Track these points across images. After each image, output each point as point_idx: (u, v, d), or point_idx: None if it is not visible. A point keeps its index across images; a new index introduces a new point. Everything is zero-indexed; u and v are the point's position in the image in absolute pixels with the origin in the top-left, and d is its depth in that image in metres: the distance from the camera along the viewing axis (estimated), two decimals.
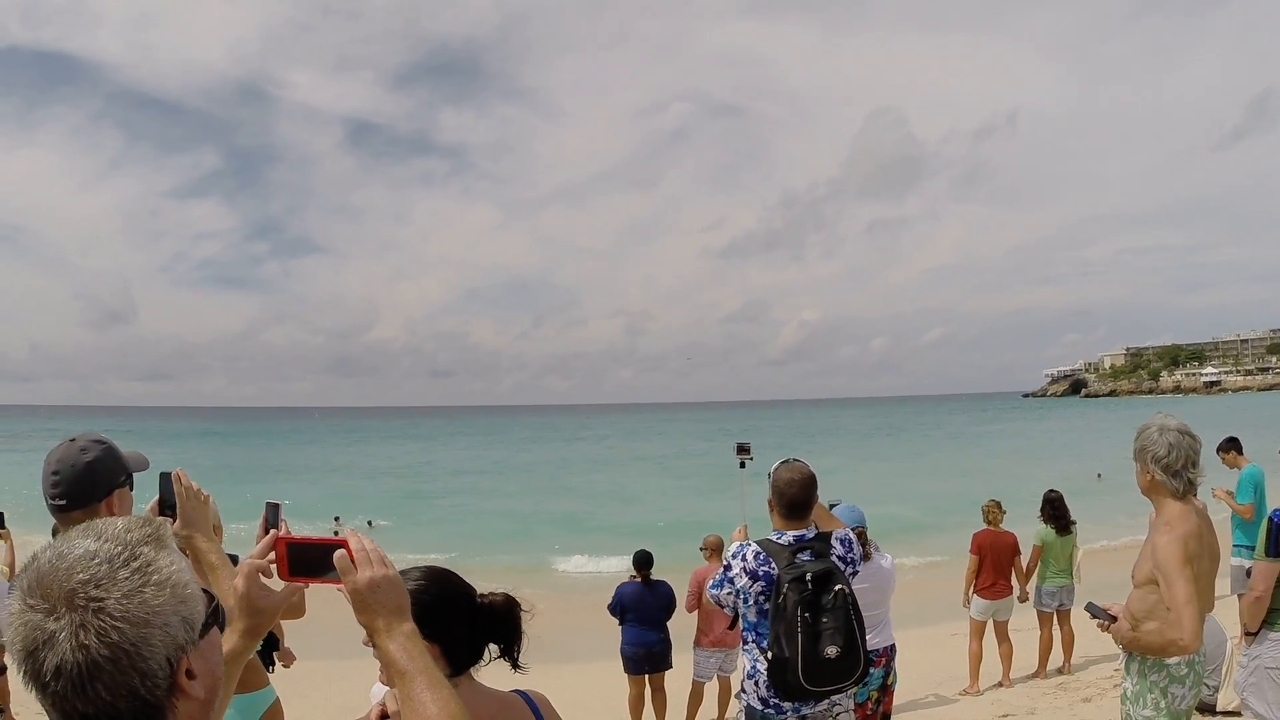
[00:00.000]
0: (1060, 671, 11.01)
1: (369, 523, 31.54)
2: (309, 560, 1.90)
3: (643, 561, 10.16)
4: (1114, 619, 4.46)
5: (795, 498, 4.81)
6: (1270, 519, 2.11)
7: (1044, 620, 11.15)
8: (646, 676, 10.12)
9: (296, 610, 4.61)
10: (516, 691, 2.48)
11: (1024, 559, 11.07)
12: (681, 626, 10.25)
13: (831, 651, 4.43)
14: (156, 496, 3.08)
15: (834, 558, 4.69)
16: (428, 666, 1.78)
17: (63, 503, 2.99)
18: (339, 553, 1.84)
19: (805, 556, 4.64)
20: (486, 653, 2.45)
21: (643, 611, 9.97)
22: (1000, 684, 10.79)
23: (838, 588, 4.52)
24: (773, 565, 4.66)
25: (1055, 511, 11.11)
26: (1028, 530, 11.17)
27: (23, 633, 1.29)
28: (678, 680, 10.27)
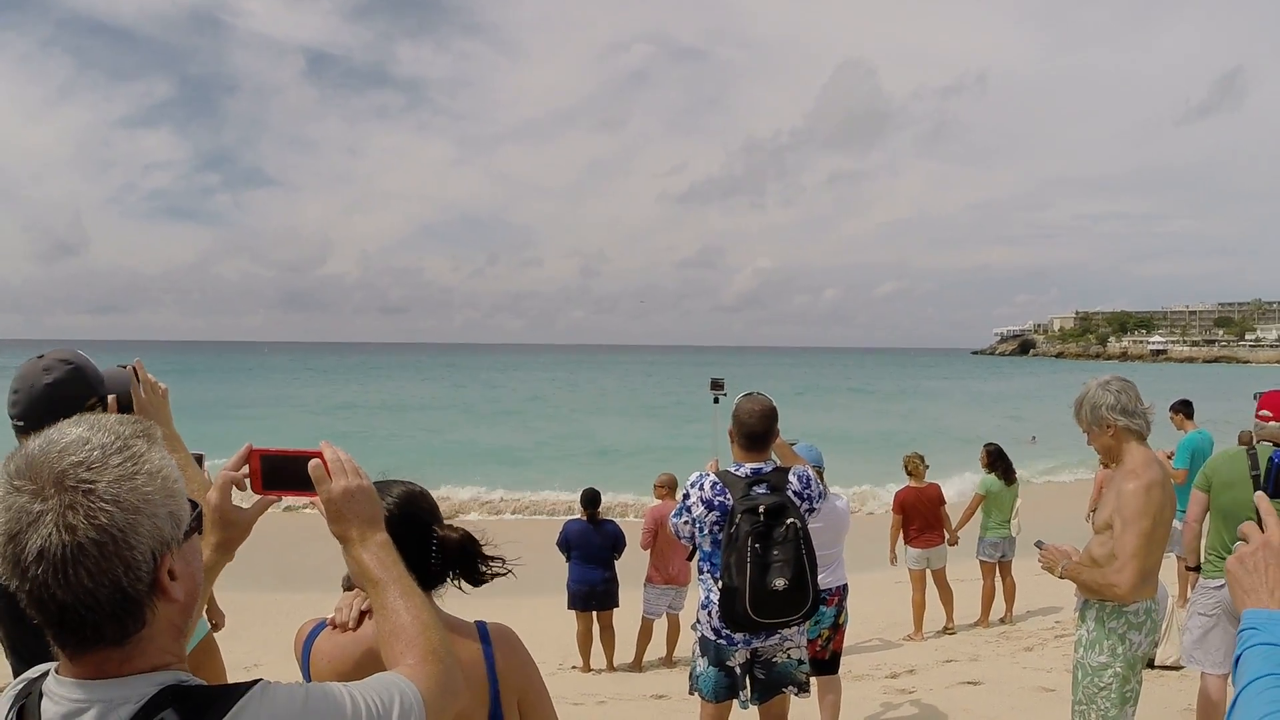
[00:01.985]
0: (1002, 621, 11.18)
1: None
2: (283, 473, 1.85)
3: (590, 500, 10.26)
4: (1056, 559, 4.51)
5: (755, 429, 4.82)
6: (1271, 459, 2.09)
7: (986, 571, 11.33)
8: (594, 614, 10.22)
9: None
10: (477, 622, 2.46)
11: (952, 506, 11.24)
12: (630, 564, 10.31)
13: (779, 584, 4.47)
14: (112, 395, 2.94)
15: (789, 492, 4.72)
16: (401, 575, 1.77)
17: (20, 424, 2.87)
18: (313, 463, 1.80)
19: (761, 489, 4.67)
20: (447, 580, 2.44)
21: (588, 549, 10.08)
22: (943, 631, 10.95)
23: (789, 521, 4.55)
24: (728, 496, 4.69)
25: (1002, 463, 11.29)
26: (960, 479, 11.31)
27: (6, 516, 1.27)
28: (628, 618, 10.36)
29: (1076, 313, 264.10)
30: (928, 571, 10.98)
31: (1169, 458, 9.36)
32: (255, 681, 1.39)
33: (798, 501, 4.71)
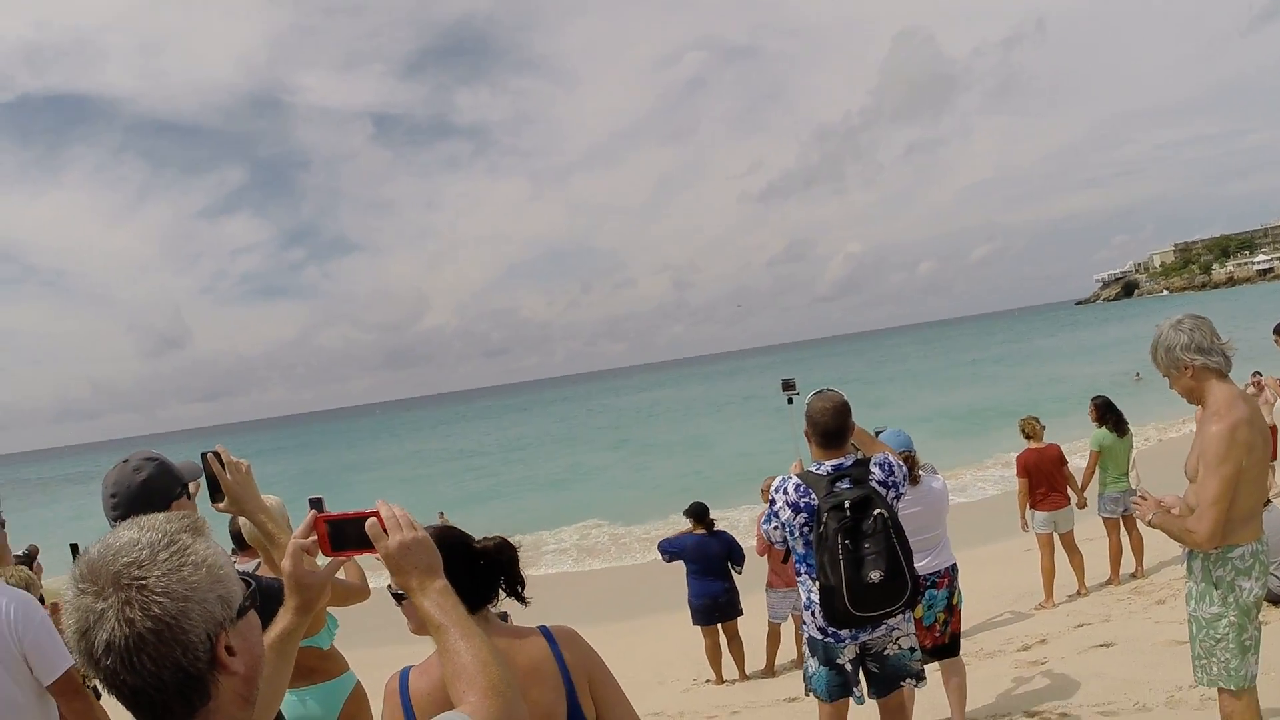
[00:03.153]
0: (1134, 577, 10.90)
1: (440, 515, 31.66)
2: (346, 534, 2.03)
3: (698, 514, 10.23)
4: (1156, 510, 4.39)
5: (829, 426, 4.82)
6: None
7: (1110, 527, 11.07)
8: (719, 626, 10.22)
9: (360, 594, 4.70)
10: (540, 627, 2.67)
11: (1074, 467, 10.98)
12: (751, 571, 10.32)
13: (875, 576, 4.47)
14: (194, 481, 3.18)
15: (873, 483, 4.71)
16: (461, 619, 1.89)
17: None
18: (370, 522, 1.97)
19: (844, 484, 4.68)
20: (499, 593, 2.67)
21: (705, 561, 10.07)
22: (1076, 595, 10.74)
23: (876, 512, 4.54)
24: (813, 496, 4.71)
25: (1112, 414, 11.04)
26: (1075, 434, 11.06)
27: (76, 615, 1.43)
28: (755, 625, 10.37)
29: (1175, 245, 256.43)
30: (1055, 535, 10.77)
31: (1278, 382, 9.06)
32: None
33: (883, 491, 4.70)
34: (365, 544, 1.98)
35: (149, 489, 3.16)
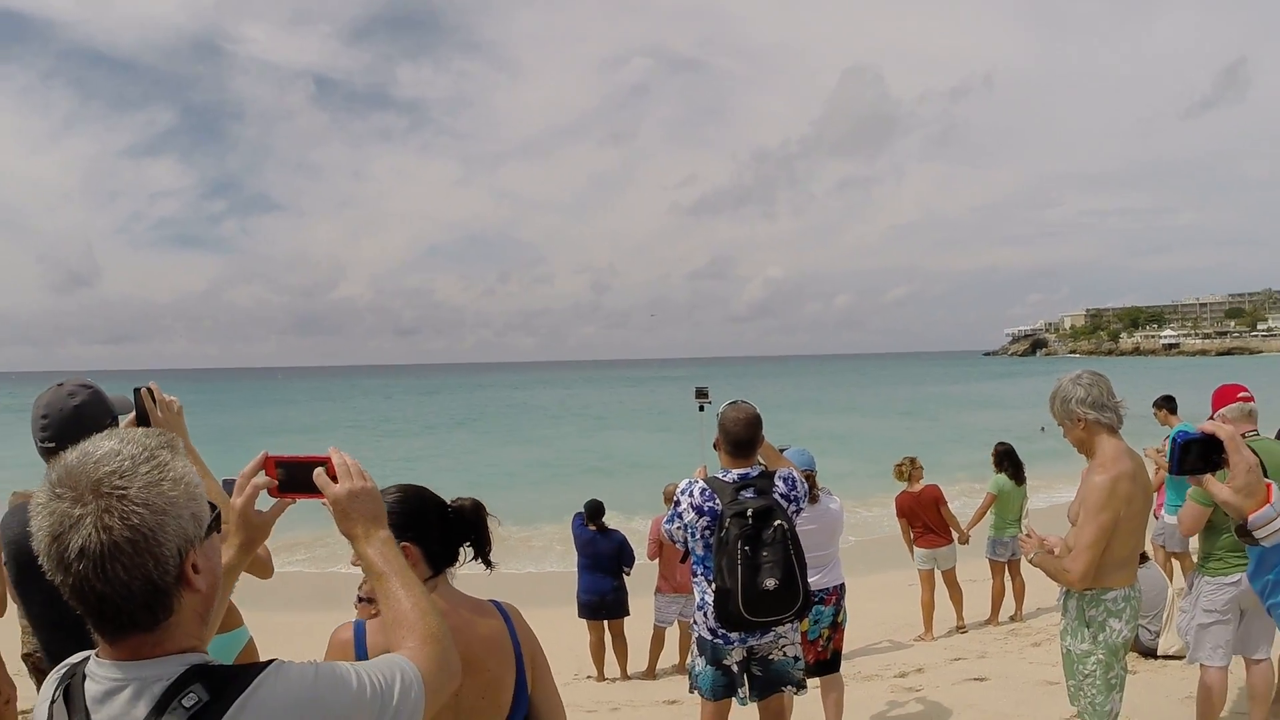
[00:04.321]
0: (1013, 619, 11.23)
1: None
2: (296, 478, 2.05)
3: (593, 511, 10.38)
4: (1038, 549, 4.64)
5: (740, 436, 4.97)
6: (1173, 439, 2.25)
7: (996, 570, 11.37)
8: (605, 623, 10.35)
9: (264, 569, 4.73)
10: (493, 601, 2.75)
11: (958, 507, 11.27)
12: (639, 573, 10.45)
13: (770, 583, 4.63)
14: (133, 413, 3.19)
15: (776, 495, 4.88)
16: (402, 568, 1.97)
17: (52, 444, 3.13)
18: (318, 470, 2.02)
19: (748, 493, 4.84)
20: (461, 554, 2.73)
21: (596, 558, 10.22)
22: (954, 630, 11.04)
23: (777, 523, 4.71)
24: (717, 501, 4.84)
25: (1011, 462, 11.32)
26: (963, 475, 11.32)
27: (50, 519, 1.47)
28: (641, 627, 10.49)
29: (1087, 310, 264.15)
30: (936, 571, 11.05)
31: (1159, 453, 9.41)
32: (271, 661, 1.59)
33: (784, 504, 4.86)
34: (313, 489, 2.02)
35: (81, 414, 3.16)
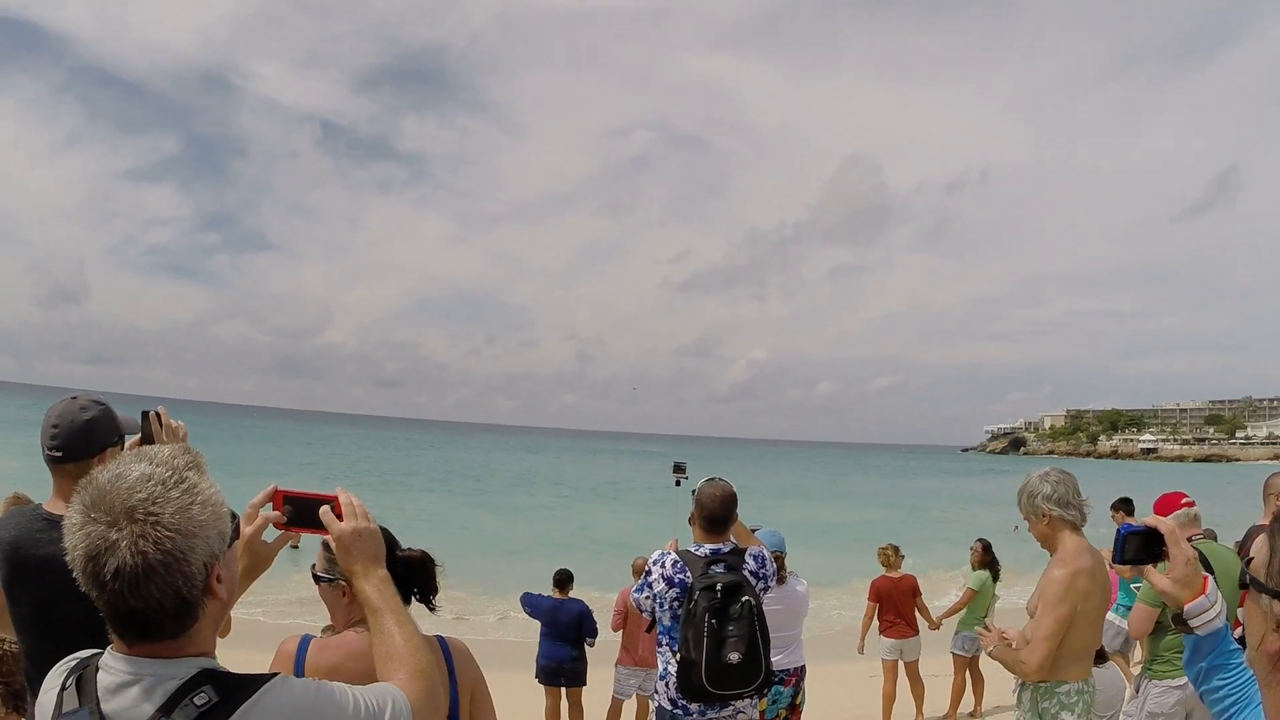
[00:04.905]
0: (971, 715, 11.28)
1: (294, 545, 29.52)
2: (302, 513, 2.17)
3: (561, 581, 10.46)
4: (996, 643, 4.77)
5: (715, 513, 5.11)
6: (1119, 530, 2.44)
7: (959, 665, 11.38)
8: (563, 690, 10.35)
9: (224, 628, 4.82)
10: (437, 636, 2.86)
11: (931, 599, 11.31)
12: (601, 644, 10.48)
13: (734, 657, 4.72)
14: (138, 435, 3.30)
15: (746, 571, 4.99)
16: (397, 606, 2.11)
17: (59, 454, 3.24)
18: (325, 507, 2.15)
19: (719, 569, 4.95)
20: (412, 598, 2.87)
21: (556, 626, 10.26)
22: None
23: (745, 598, 4.82)
24: (688, 574, 4.96)
25: (991, 557, 11.45)
26: (934, 568, 11.34)
27: (86, 541, 1.58)
28: (600, 697, 10.46)
29: (1068, 411, 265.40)
30: (900, 663, 11.06)
31: (1108, 552, 9.54)
32: (276, 673, 1.70)
33: (753, 580, 4.98)
34: (318, 525, 2.14)
35: (91, 429, 3.27)
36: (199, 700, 1.58)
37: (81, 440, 3.24)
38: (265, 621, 16.64)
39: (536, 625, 10.59)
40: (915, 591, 11.10)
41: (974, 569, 11.51)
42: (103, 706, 1.61)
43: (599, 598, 10.84)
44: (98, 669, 1.67)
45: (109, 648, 1.69)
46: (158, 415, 3.27)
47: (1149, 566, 2.43)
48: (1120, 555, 2.45)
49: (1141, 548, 2.43)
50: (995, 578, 11.36)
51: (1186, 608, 2.31)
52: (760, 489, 61.29)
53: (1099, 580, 4.59)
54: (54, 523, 3.04)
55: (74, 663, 1.74)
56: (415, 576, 2.88)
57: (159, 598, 1.59)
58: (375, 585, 2.11)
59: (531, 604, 10.51)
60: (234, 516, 1.80)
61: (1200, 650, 2.32)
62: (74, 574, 1.61)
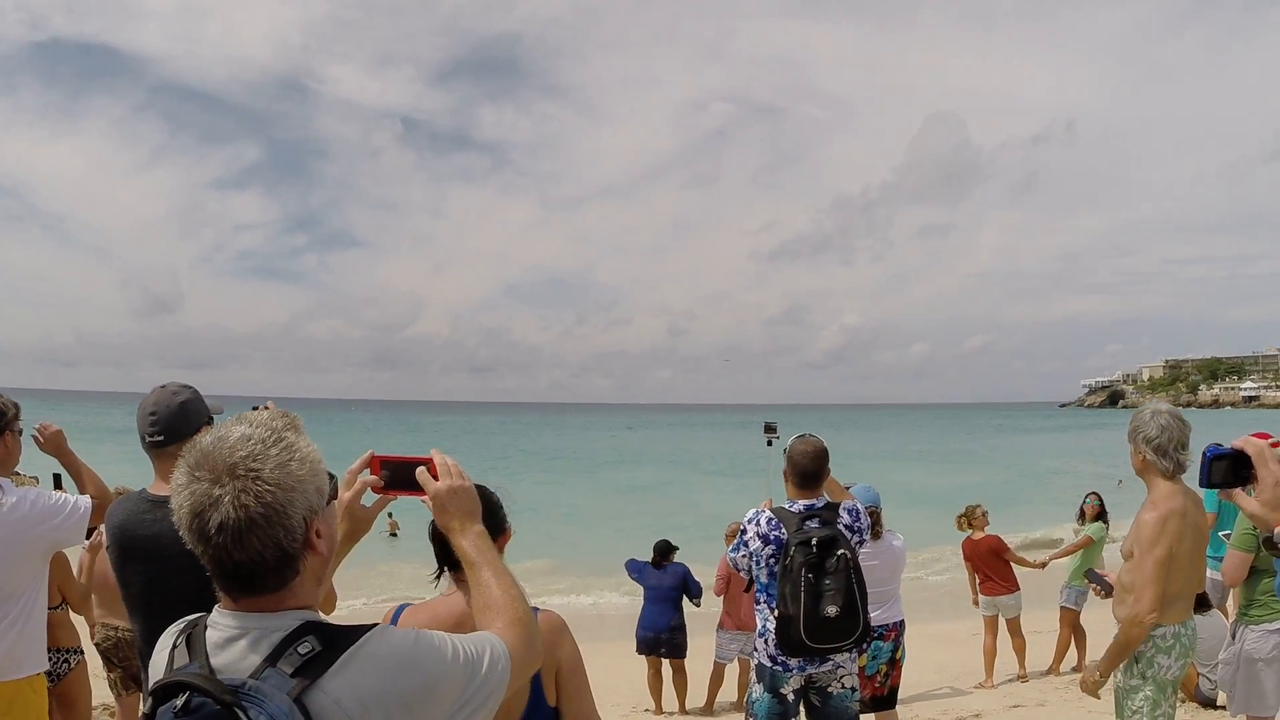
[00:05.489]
0: (1075, 670, 11.09)
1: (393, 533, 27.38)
2: (400, 476, 2.25)
3: (663, 550, 10.52)
4: (1112, 587, 4.74)
5: (807, 469, 5.15)
6: (1204, 453, 2.41)
7: (1065, 619, 11.23)
8: (664, 660, 10.46)
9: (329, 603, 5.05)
10: (532, 607, 2.86)
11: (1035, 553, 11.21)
12: (706, 612, 10.58)
13: (831, 611, 4.76)
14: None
15: (840, 526, 5.03)
16: (494, 558, 2.18)
17: (160, 438, 3.41)
18: (420, 469, 2.22)
19: (813, 524, 4.99)
20: None
21: (658, 590, 10.31)
22: (1016, 678, 11.00)
23: (840, 552, 4.86)
24: (783, 530, 5.01)
25: (1103, 511, 11.31)
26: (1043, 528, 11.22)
27: (191, 499, 1.67)
28: (702, 663, 10.56)
29: (1166, 361, 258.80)
30: (1000, 619, 11.04)
31: None
32: (375, 624, 1.77)
33: (848, 534, 5.02)
34: (414, 487, 2.22)
35: (186, 410, 3.45)
36: (302, 649, 1.65)
37: (179, 421, 3.41)
38: (366, 608, 17.02)
39: (638, 600, 10.70)
40: (998, 551, 11.02)
41: (1089, 521, 11.30)
42: (212, 660, 1.68)
43: (702, 569, 10.87)
44: (206, 627, 1.75)
45: (216, 606, 1.77)
46: (266, 409, 3.44)
47: (1237, 490, 2.40)
48: (1206, 478, 2.42)
49: (1229, 471, 2.40)
50: (1107, 531, 11.18)
51: (1277, 530, 2.29)
52: (856, 453, 60.89)
53: (1191, 521, 4.50)
54: (158, 503, 3.20)
55: (183, 624, 1.82)
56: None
57: (260, 549, 1.66)
58: (472, 540, 2.17)
59: (637, 569, 10.65)
60: (332, 477, 1.88)
61: None
62: (180, 532, 1.70)
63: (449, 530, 2.21)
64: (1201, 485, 2.51)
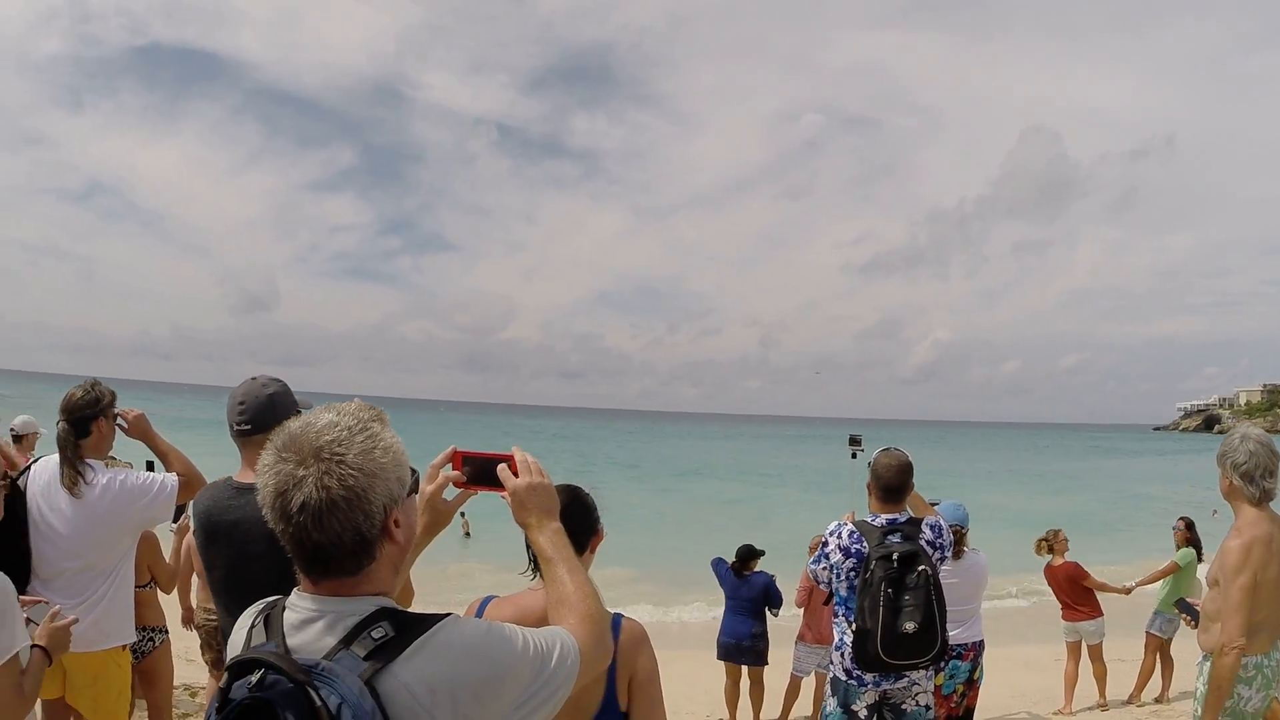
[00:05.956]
0: (1157, 700, 10.94)
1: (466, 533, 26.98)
2: (481, 472, 2.31)
3: (745, 555, 10.41)
4: (1198, 616, 4.70)
5: (891, 482, 5.18)
6: None
7: (1151, 645, 11.06)
8: (745, 669, 10.37)
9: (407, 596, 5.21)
10: (614, 614, 2.89)
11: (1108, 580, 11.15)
12: (786, 623, 10.57)
13: (910, 627, 4.78)
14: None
15: (922, 541, 5.04)
16: (569, 555, 2.22)
17: (248, 427, 3.54)
18: (501, 465, 2.27)
19: (895, 538, 5.01)
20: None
21: (738, 600, 10.24)
22: (1095, 706, 10.82)
23: (921, 568, 4.88)
24: (864, 544, 5.04)
25: (1195, 537, 11.09)
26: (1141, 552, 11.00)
27: (276, 479, 1.74)
28: (779, 676, 10.50)
29: (1265, 386, 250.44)
30: (1083, 644, 10.86)
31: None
32: (449, 614, 1.83)
33: (930, 550, 5.03)
34: (495, 483, 2.27)
35: (275, 401, 3.57)
36: (376, 634, 1.71)
37: (266, 412, 3.51)
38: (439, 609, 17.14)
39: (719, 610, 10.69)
40: (1075, 578, 10.81)
41: (1178, 548, 11.09)
42: (288, 641, 1.74)
43: (785, 581, 10.82)
44: (284, 609, 1.81)
45: (295, 589, 1.83)
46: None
47: None
48: None
49: None
50: (1200, 558, 10.88)
51: None
52: (946, 470, 60.08)
53: (1277, 549, 4.45)
54: (243, 490, 3.35)
55: (263, 605, 1.90)
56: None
57: (339, 532, 1.71)
58: (549, 537, 2.22)
59: (721, 571, 10.46)
60: (414, 472, 1.94)
61: None
62: (264, 511, 1.77)
63: (527, 526, 2.26)
64: None
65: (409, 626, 1.74)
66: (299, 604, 1.80)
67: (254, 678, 1.63)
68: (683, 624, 17.61)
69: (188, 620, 7.38)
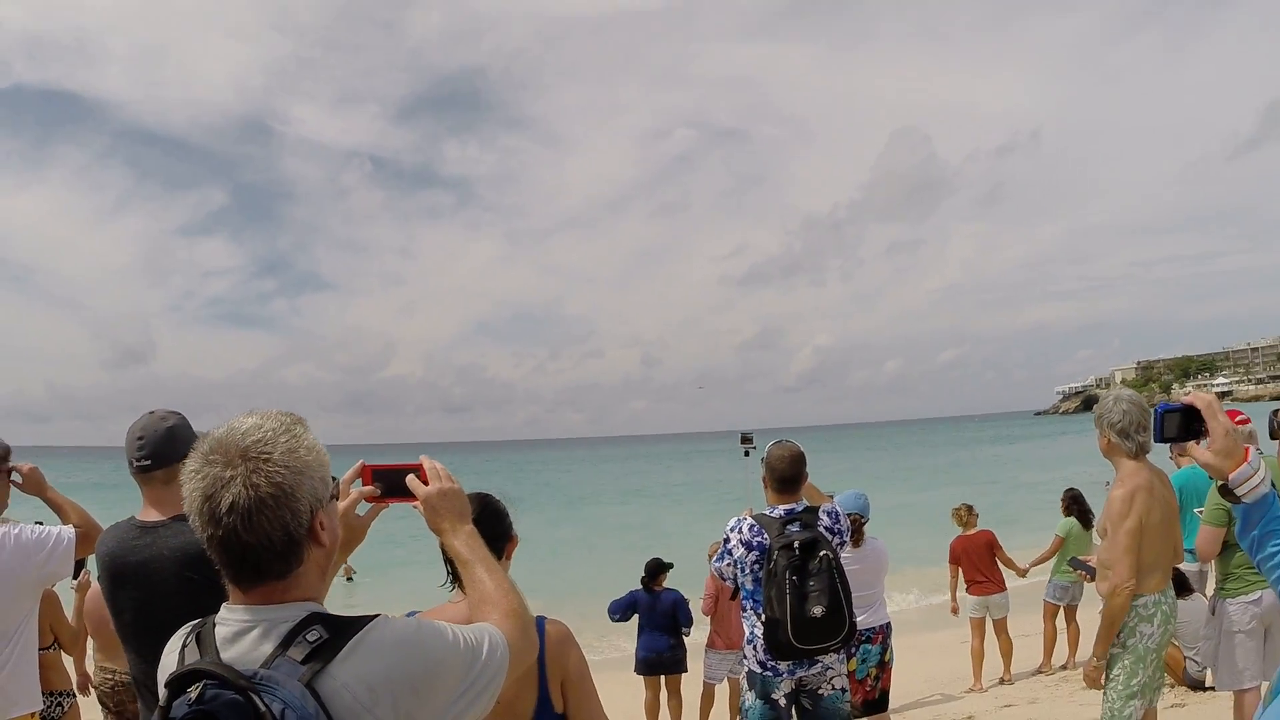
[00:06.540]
0: (1064, 667, 11.24)
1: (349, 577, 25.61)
2: (392, 484, 2.33)
3: (654, 569, 10.42)
4: (1095, 569, 4.95)
5: (785, 473, 5.27)
6: (1156, 409, 2.53)
7: (1049, 613, 11.39)
8: (662, 679, 10.36)
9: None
10: (538, 617, 2.86)
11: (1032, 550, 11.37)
12: (697, 634, 10.54)
13: (817, 611, 4.85)
14: None
15: (821, 528, 5.13)
16: (486, 556, 2.25)
17: (148, 463, 3.45)
18: (410, 475, 2.30)
19: (794, 527, 5.09)
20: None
21: (654, 618, 10.23)
22: (1001, 681, 11.06)
23: (823, 553, 4.96)
24: (765, 536, 5.10)
25: (1080, 507, 11.45)
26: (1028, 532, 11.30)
27: (203, 482, 1.74)
28: (692, 684, 10.49)
29: (1138, 363, 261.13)
30: (988, 620, 11.09)
31: None
32: (379, 614, 1.84)
33: (829, 536, 5.12)
34: (406, 493, 2.29)
35: (174, 434, 3.49)
36: (311, 637, 1.72)
37: (166, 447, 3.44)
38: None
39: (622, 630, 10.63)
40: (993, 546, 11.12)
41: (1063, 517, 11.48)
42: (222, 655, 1.74)
43: (690, 594, 10.83)
44: (215, 625, 1.81)
45: (224, 604, 1.83)
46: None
47: (1191, 442, 2.51)
48: (1160, 433, 2.54)
49: (1181, 426, 2.51)
50: (1086, 525, 11.24)
51: (1230, 477, 2.40)
52: (839, 472, 60.92)
53: (1158, 495, 4.79)
54: (148, 529, 3.29)
55: (192, 625, 1.89)
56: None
57: (269, 531, 1.73)
58: (464, 540, 2.25)
59: (620, 606, 10.37)
60: (335, 480, 1.96)
61: (1250, 519, 2.40)
62: (191, 519, 1.77)
63: (441, 532, 2.28)
64: (1155, 441, 2.63)
65: (341, 628, 1.76)
66: (230, 617, 1.80)
67: (193, 693, 1.62)
68: (590, 647, 17.49)
69: (84, 687, 7.11)
